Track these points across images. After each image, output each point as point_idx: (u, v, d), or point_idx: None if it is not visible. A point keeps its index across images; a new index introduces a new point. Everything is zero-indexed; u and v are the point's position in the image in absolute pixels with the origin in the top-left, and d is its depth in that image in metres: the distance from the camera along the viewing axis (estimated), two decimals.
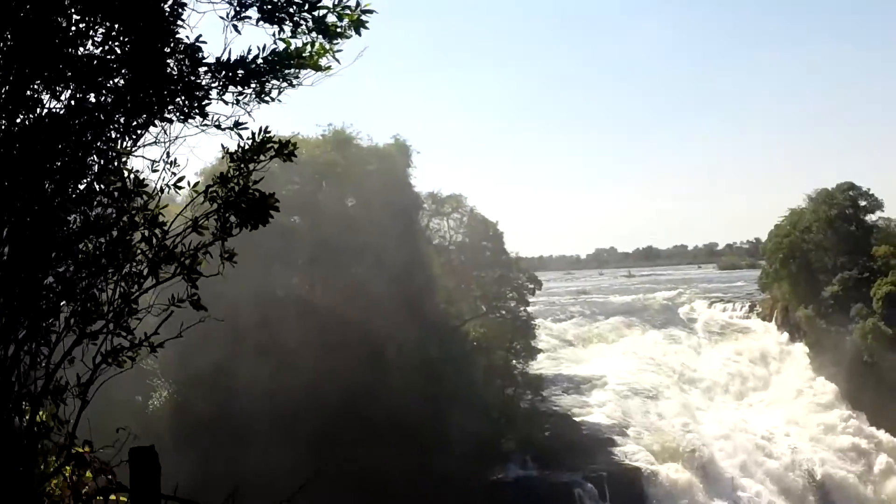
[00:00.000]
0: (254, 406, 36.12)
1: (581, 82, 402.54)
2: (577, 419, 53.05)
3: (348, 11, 6.18)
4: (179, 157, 6.09)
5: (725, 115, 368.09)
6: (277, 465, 32.00)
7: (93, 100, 5.88)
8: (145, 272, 5.84)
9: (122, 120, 5.93)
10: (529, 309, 54.03)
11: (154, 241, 5.84)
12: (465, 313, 51.51)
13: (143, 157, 6.05)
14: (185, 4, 5.92)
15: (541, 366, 55.92)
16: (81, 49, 5.83)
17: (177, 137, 6.04)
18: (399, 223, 46.06)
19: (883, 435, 55.68)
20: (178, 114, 5.99)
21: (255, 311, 37.88)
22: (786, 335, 66.77)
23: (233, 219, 6.00)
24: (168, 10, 5.84)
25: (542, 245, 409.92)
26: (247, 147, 6.12)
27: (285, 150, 6.20)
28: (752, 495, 49.22)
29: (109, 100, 5.92)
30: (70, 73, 5.78)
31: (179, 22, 5.89)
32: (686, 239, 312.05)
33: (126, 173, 5.99)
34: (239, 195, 5.98)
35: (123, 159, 6.01)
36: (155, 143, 6.10)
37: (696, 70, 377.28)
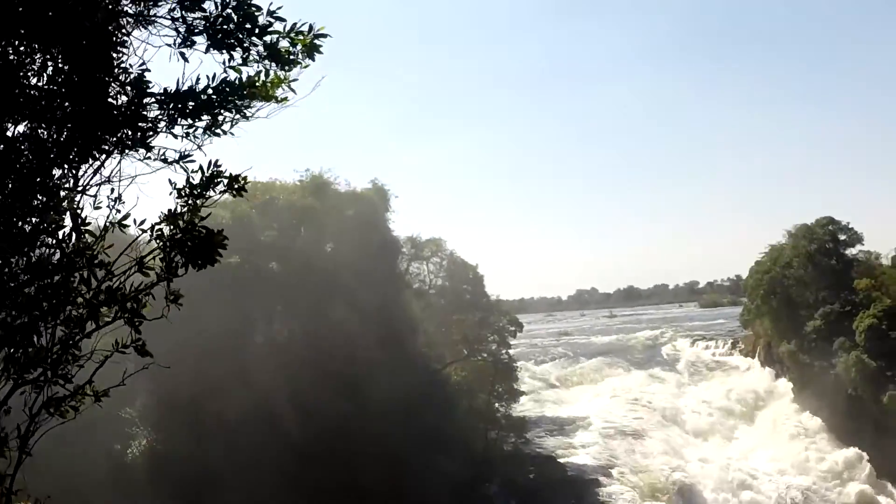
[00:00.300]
0: (233, 451, 35.51)
1: (560, 136, 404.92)
2: (561, 460, 52.44)
3: (301, 36, 5.87)
4: (131, 195, 5.77)
5: (703, 155, 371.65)
6: None
7: (43, 134, 5.58)
8: (86, 315, 5.47)
9: (61, 154, 5.58)
10: (511, 351, 53.64)
11: (93, 282, 5.47)
12: (447, 356, 51.11)
13: (86, 194, 5.70)
14: (128, 32, 5.63)
15: (524, 408, 55.44)
16: (28, 80, 5.52)
17: (133, 176, 5.74)
18: (378, 267, 45.79)
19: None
20: (119, 147, 5.65)
21: (234, 357, 37.38)
22: (769, 371, 66.61)
23: (179, 258, 5.63)
24: (110, 36, 5.53)
25: (522, 287, 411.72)
26: (196, 182, 5.78)
27: (235, 184, 5.85)
28: None
29: (53, 134, 5.61)
30: (18, 105, 5.47)
31: (123, 49, 5.60)
32: (667, 278, 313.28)
33: (70, 212, 5.64)
34: (185, 233, 5.60)
35: (71, 197, 5.67)
36: (107, 181, 5.78)
37: (673, 108, 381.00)
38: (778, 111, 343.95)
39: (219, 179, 5.84)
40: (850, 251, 70.14)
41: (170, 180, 5.84)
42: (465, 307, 52.30)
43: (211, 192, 5.87)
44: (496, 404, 51.08)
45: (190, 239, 5.59)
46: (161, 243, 5.59)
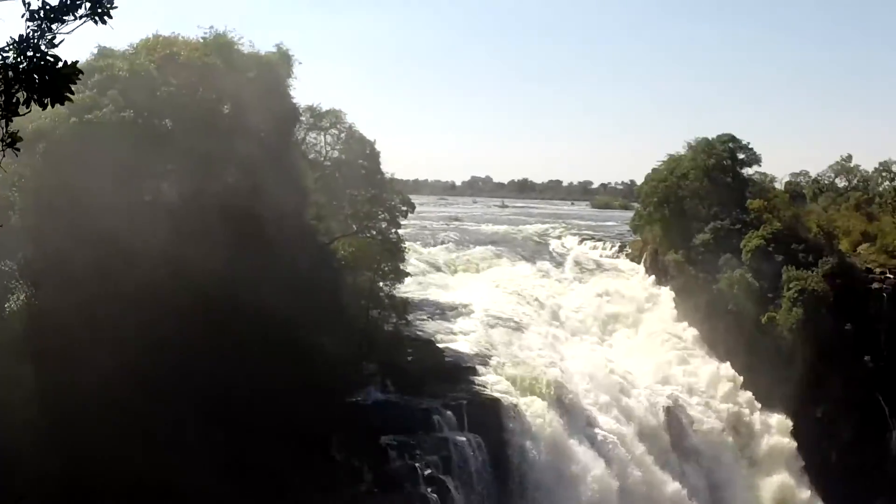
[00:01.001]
0: (118, 311, 34.02)
1: (469, 24, 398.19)
2: (440, 346, 52.35)
3: None
4: None
5: (608, 58, 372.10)
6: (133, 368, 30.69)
7: None
8: None
9: None
10: (401, 232, 52.72)
11: None
12: (335, 231, 49.96)
13: None
14: None
15: (408, 290, 54.90)
16: None
17: None
18: (275, 133, 44.18)
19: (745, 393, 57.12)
20: None
21: (121, 215, 35.52)
22: (653, 278, 67.47)
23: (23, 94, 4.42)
24: None
25: (417, 169, 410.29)
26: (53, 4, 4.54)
27: (99, 8, 4.61)
28: (608, 432, 49.64)
29: None
30: None
31: None
32: (561, 175, 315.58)
33: None
34: (30, 63, 4.36)
35: None
36: None
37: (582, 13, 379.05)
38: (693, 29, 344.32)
39: (81, 2, 4.59)
40: (747, 171, 71.48)
41: (23, 1, 4.63)
42: (359, 182, 50.95)
43: (70, 17, 4.63)
44: (380, 283, 50.39)
45: (37, 70, 4.33)
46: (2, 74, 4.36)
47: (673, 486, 50.88)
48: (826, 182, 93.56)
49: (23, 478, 29.24)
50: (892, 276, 65.19)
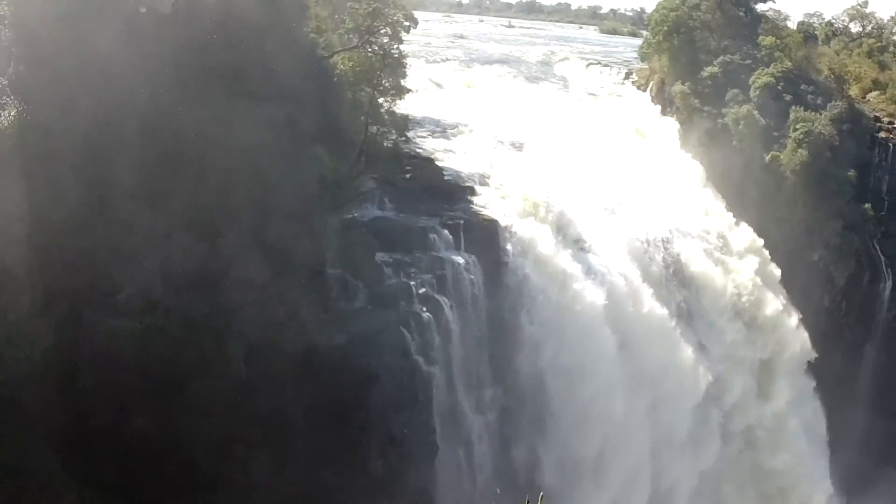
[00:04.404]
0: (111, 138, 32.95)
1: None
2: (439, 163, 51.72)
3: None
4: None
5: None
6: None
7: None
8: None
9: None
10: (403, 48, 51.09)
11: None
12: (335, 45, 48.39)
13: None
14: None
15: (408, 106, 53.70)
16: None
17: None
18: None
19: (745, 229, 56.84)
20: None
21: (116, 27, 33.92)
22: (659, 107, 66.34)
23: None
24: None
25: None
26: None
27: None
28: (604, 260, 49.65)
29: None
30: None
31: None
32: None
33: None
34: None
35: None
36: None
37: None
38: None
39: None
40: (761, 6, 69.94)
41: None
42: None
43: None
44: (381, 99, 49.14)
45: None
46: None
47: (661, 311, 51.35)
48: (840, 26, 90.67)
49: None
50: None
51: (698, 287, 54.02)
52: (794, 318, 56.08)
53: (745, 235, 56.39)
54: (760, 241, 56.47)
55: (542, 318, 46.87)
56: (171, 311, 32.19)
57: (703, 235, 55.03)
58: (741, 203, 57.99)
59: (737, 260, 55.36)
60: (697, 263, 53.92)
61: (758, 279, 55.65)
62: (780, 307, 55.78)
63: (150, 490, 30.60)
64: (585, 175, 55.38)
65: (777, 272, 56.47)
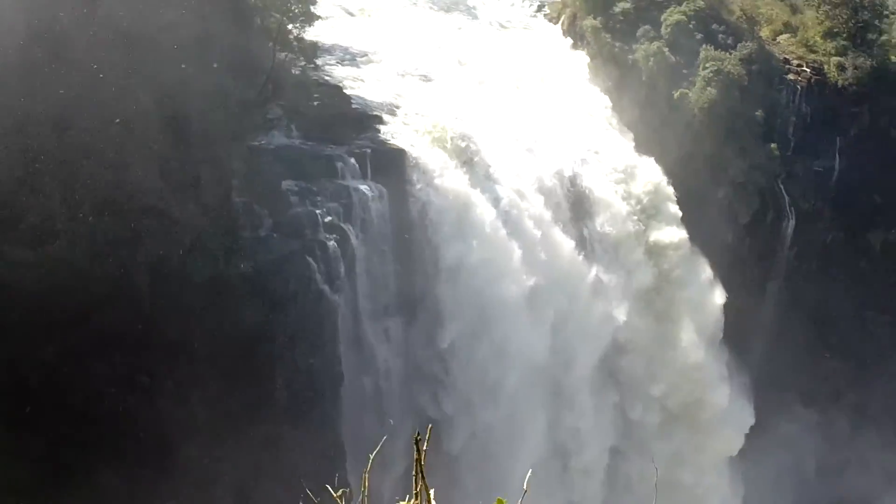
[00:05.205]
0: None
1: None
2: (347, 92, 51.16)
3: None
4: None
5: None
6: None
7: None
8: None
9: None
10: None
11: None
12: None
13: None
14: None
15: (318, 33, 52.95)
16: None
17: None
18: None
19: (651, 164, 57.46)
20: None
21: None
22: (570, 41, 66.27)
23: None
24: None
25: None
26: None
27: None
28: (509, 189, 49.99)
29: None
30: None
31: None
32: None
33: None
34: None
35: None
36: None
37: None
38: None
39: None
40: None
41: None
42: None
43: None
44: (290, 25, 48.43)
45: None
46: None
47: (568, 244, 52.12)
48: None
49: None
50: (808, 70, 65.22)
51: (603, 221, 54.64)
52: (698, 255, 56.99)
53: (650, 171, 56.96)
54: (666, 178, 57.04)
55: (447, 247, 47.25)
56: (75, 240, 31.80)
57: (608, 170, 55.55)
58: (648, 139, 58.45)
59: (642, 195, 55.99)
60: (603, 196, 54.50)
61: (662, 214, 56.40)
62: (686, 245, 56.57)
63: (55, 423, 30.53)
64: (492, 108, 55.35)
65: (677, 211, 57.12)
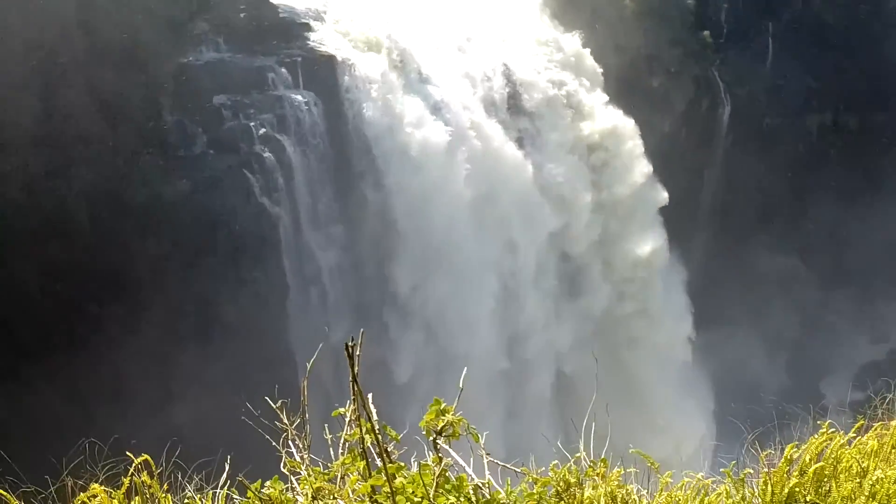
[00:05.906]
0: None
1: None
2: (274, 1, 50.00)
3: None
4: None
5: None
6: None
7: None
8: None
9: None
10: None
11: None
12: None
13: None
14: None
15: None
16: None
17: None
18: None
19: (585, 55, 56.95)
20: None
21: None
22: None
23: None
24: None
25: None
26: None
27: None
28: (446, 92, 49.70)
29: None
30: None
31: None
32: None
33: None
34: None
35: None
36: None
37: None
38: None
39: None
40: None
41: None
42: None
43: None
44: None
45: None
46: None
47: (507, 143, 52.06)
48: None
49: None
50: None
51: (540, 115, 54.44)
52: (636, 144, 56.81)
53: (585, 63, 56.74)
54: (601, 69, 56.82)
55: (384, 151, 47.04)
56: (8, 173, 31.44)
57: (542, 64, 55.23)
58: (581, 30, 58.01)
59: (578, 87, 55.81)
60: (538, 92, 54.29)
61: (598, 106, 56.36)
62: (628, 140, 56.47)
63: (5, 358, 30.59)
64: (423, 7, 54.53)
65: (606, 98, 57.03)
